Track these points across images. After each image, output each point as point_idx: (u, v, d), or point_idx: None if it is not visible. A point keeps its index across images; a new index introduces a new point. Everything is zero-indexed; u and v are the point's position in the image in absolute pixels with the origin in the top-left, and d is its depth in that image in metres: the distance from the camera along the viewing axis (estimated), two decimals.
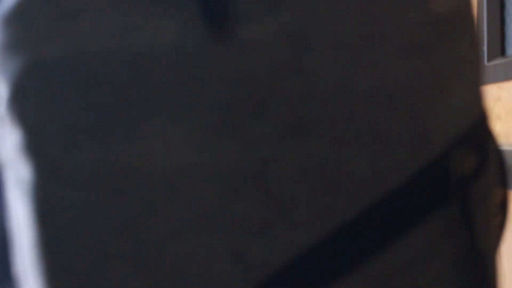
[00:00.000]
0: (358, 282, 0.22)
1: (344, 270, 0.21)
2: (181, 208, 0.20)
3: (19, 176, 0.21)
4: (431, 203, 0.22)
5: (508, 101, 0.96)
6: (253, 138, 0.20)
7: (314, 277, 0.21)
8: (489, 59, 1.03)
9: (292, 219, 0.20)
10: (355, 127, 0.21)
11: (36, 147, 0.21)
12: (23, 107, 0.21)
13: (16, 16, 0.21)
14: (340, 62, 0.20)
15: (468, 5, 0.25)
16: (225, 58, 0.19)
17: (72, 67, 0.20)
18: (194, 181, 0.20)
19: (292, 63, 0.20)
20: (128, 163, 0.20)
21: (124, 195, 0.20)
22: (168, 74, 0.20)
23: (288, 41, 0.19)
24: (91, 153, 0.20)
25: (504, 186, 0.29)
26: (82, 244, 0.20)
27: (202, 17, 0.19)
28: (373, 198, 0.21)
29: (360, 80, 0.21)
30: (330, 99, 0.20)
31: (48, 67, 0.20)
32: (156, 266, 0.20)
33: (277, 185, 0.20)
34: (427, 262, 0.23)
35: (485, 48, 1.05)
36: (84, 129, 0.20)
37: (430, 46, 0.22)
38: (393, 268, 0.22)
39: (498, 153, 0.26)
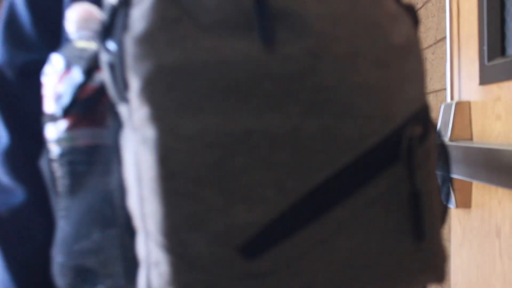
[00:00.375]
0: (333, 219, 0.35)
1: (324, 209, 0.35)
2: (248, 157, 0.34)
3: (145, 136, 0.34)
4: (392, 158, 0.36)
5: (509, 101, 0.96)
6: (289, 112, 0.34)
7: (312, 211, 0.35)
8: (489, 59, 1.03)
9: (310, 164, 0.34)
10: (350, 108, 0.35)
11: (159, 116, 0.34)
12: (150, 93, 0.34)
13: (145, 37, 0.35)
14: (340, 67, 0.35)
15: (416, 35, 0.40)
16: (273, 64, 0.34)
17: (182, 68, 0.34)
18: (257, 138, 0.34)
19: (311, 67, 0.35)
20: (217, 128, 0.34)
21: (213, 147, 0.34)
22: (242, 72, 0.34)
23: (308, 55, 0.34)
24: (195, 121, 0.33)
25: (447, 169, 0.50)
26: (188, 176, 0.34)
27: (259, 40, 0.34)
28: (356, 155, 0.35)
29: (352, 79, 0.35)
30: (334, 90, 0.35)
31: (166, 68, 0.34)
32: (233, 190, 0.34)
33: (303, 143, 0.34)
34: (382, 206, 0.36)
35: (485, 47, 1.04)
36: (190, 106, 0.34)
37: (391, 62, 0.37)
38: (354, 212, 0.35)
39: (437, 133, 0.42)
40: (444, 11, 2.16)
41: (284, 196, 0.34)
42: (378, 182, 0.36)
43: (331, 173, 0.35)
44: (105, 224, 0.41)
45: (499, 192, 0.99)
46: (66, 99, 0.41)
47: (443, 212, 0.48)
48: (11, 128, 0.53)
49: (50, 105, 0.43)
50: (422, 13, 2.47)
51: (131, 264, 0.38)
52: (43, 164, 0.44)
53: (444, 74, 2.16)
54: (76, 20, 0.45)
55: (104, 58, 0.37)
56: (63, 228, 0.42)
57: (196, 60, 0.34)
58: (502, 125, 0.98)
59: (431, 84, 2.35)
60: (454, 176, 1.10)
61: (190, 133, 0.33)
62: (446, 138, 1.17)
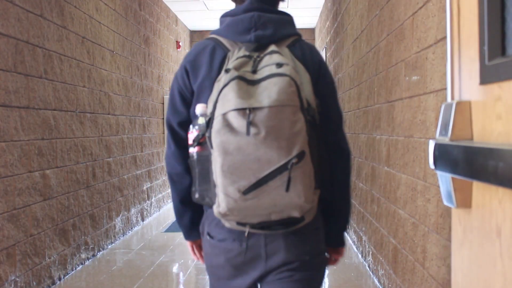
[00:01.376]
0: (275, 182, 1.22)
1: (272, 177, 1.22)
2: (242, 165, 1.22)
3: (215, 156, 1.24)
4: (286, 168, 1.22)
5: (509, 100, 0.96)
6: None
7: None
8: (489, 59, 1.03)
9: (263, 168, 1.22)
10: (275, 150, 1.25)
11: (220, 154, 1.26)
12: (216, 145, 1.28)
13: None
14: (270, 141, 1.22)
15: (303, 125, 1.23)
16: (248, 140, 1.23)
17: (224, 146, 1.25)
18: (248, 158, 1.23)
19: (262, 139, 1.24)
20: (235, 159, 1.25)
21: (232, 162, 1.22)
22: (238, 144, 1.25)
23: (258, 137, 1.23)
24: (233, 154, 1.25)
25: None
26: (228, 170, 1.22)
27: (246, 134, 1.22)
28: (276, 166, 1.24)
29: (278, 143, 1.23)
30: (272, 145, 1.25)
31: (221, 144, 1.24)
32: (240, 175, 1.22)
33: (261, 161, 1.24)
34: (281, 181, 1.22)
35: (485, 47, 1.04)
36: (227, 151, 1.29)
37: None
38: (275, 183, 1.22)
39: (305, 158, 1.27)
40: (445, 11, 2.16)
41: (255, 177, 1.20)
42: (282, 174, 1.20)
43: (270, 171, 1.20)
44: (207, 180, 1.32)
45: (500, 192, 0.99)
46: (196, 141, 1.33)
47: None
48: (174, 144, 1.48)
49: (191, 140, 1.34)
50: (422, 13, 2.47)
51: (213, 196, 1.29)
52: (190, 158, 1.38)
53: (445, 73, 2.16)
54: (200, 109, 1.32)
55: (202, 125, 1.31)
56: (194, 181, 1.37)
57: (230, 145, 1.20)
58: (503, 125, 0.98)
59: (431, 84, 2.35)
60: (455, 176, 1.10)
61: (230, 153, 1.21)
62: (447, 138, 1.17)
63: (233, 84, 1.21)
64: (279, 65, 1.25)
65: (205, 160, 1.31)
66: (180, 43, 8.22)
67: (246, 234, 1.32)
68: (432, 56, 2.32)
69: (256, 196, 1.21)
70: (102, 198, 4.64)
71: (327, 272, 3.95)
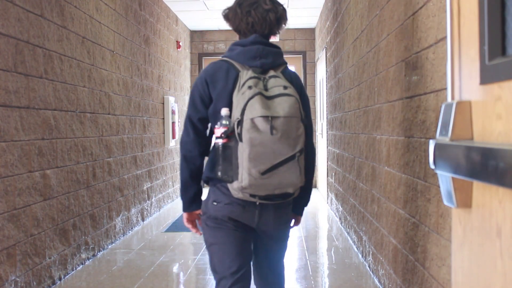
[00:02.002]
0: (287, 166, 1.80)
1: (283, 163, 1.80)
2: (264, 153, 1.79)
3: (243, 145, 1.78)
4: (294, 157, 1.86)
5: (509, 100, 0.96)
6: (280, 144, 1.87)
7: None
8: (490, 59, 1.03)
9: (278, 156, 1.80)
10: (290, 143, 1.85)
11: (248, 146, 1.82)
12: (243, 137, 1.85)
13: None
14: (285, 139, 1.82)
15: (302, 131, 1.87)
16: (274, 138, 1.82)
17: (253, 140, 1.80)
18: (268, 151, 1.80)
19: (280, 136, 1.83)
20: (258, 151, 1.81)
21: (258, 152, 1.77)
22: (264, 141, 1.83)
23: (277, 134, 1.81)
24: (257, 146, 1.83)
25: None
26: (253, 156, 1.77)
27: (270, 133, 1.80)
28: (288, 155, 1.84)
29: (287, 141, 1.83)
30: (287, 141, 1.84)
31: (251, 140, 1.81)
32: (260, 161, 1.77)
33: (276, 151, 1.82)
34: (294, 165, 1.83)
35: (486, 47, 1.04)
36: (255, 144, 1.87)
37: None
38: (288, 167, 1.81)
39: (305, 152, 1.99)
40: (445, 11, 2.16)
41: (270, 164, 1.77)
42: (289, 163, 1.79)
43: (281, 160, 1.78)
44: (229, 163, 1.81)
45: (500, 192, 0.99)
46: (223, 134, 1.81)
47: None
48: (194, 133, 1.96)
49: (218, 134, 1.83)
50: (422, 13, 2.47)
51: (235, 174, 1.80)
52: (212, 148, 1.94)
53: (445, 73, 2.16)
54: (224, 111, 1.84)
55: (227, 124, 1.83)
56: (218, 163, 1.87)
57: (256, 140, 1.76)
58: (503, 125, 0.98)
59: (431, 83, 2.35)
60: (455, 175, 1.10)
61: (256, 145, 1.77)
62: (447, 138, 1.17)
63: (257, 98, 1.77)
64: (285, 87, 1.84)
65: (228, 148, 1.82)
66: (180, 43, 8.22)
67: (257, 203, 1.88)
68: (432, 56, 2.32)
69: (269, 177, 1.78)
70: (102, 198, 4.64)
71: (327, 272, 3.94)
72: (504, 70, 0.96)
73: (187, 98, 8.91)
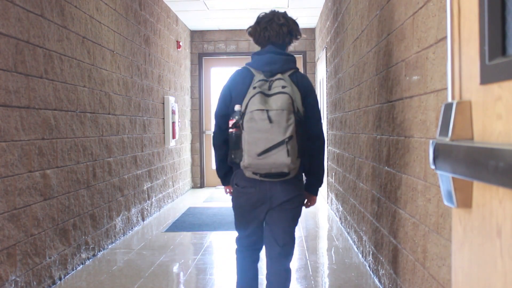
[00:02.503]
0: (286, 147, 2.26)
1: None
2: (259, 140, 2.27)
3: (244, 133, 2.29)
4: (284, 143, 2.27)
5: (509, 100, 0.96)
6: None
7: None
8: (490, 59, 1.03)
9: (271, 140, 2.23)
10: (280, 130, 2.30)
11: (246, 132, 2.32)
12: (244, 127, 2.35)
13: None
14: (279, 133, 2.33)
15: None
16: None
17: (252, 139, 2.30)
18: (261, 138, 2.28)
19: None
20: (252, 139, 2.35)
21: (255, 138, 2.27)
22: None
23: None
24: (251, 136, 2.34)
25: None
26: (250, 141, 2.25)
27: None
28: (278, 140, 2.28)
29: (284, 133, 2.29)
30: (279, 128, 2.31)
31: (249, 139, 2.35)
32: (255, 145, 2.24)
33: (271, 136, 2.27)
34: (284, 149, 2.25)
35: (486, 47, 1.04)
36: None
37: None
38: (278, 149, 2.22)
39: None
40: (445, 11, 2.16)
41: (264, 147, 2.21)
42: (279, 147, 2.21)
43: (273, 144, 2.21)
44: (237, 147, 2.35)
45: (500, 192, 0.99)
46: (234, 125, 2.36)
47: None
48: (218, 126, 2.55)
49: (230, 125, 2.39)
50: (422, 13, 2.47)
51: (241, 155, 2.32)
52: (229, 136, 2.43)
53: (445, 73, 2.16)
54: (237, 107, 2.37)
55: (239, 117, 2.35)
56: (231, 148, 2.41)
57: (253, 129, 2.26)
58: (503, 125, 0.98)
59: (432, 83, 2.35)
60: (455, 175, 1.10)
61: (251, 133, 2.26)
62: (447, 138, 1.17)
63: (257, 96, 2.26)
64: (283, 87, 2.29)
65: (237, 136, 2.35)
66: (181, 43, 8.22)
67: (258, 177, 2.36)
68: (432, 56, 2.32)
69: (264, 158, 2.23)
70: (103, 198, 4.64)
71: (327, 272, 3.94)
72: (504, 70, 0.96)
73: (187, 98, 8.92)
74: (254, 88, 2.28)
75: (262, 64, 2.43)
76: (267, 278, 2.58)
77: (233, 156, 2.37)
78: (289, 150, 2.20)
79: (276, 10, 2.55)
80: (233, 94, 2.45)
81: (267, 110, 2.20)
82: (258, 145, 2.20)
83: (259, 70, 2.42)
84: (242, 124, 2.25)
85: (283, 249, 2.52)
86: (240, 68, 2.51)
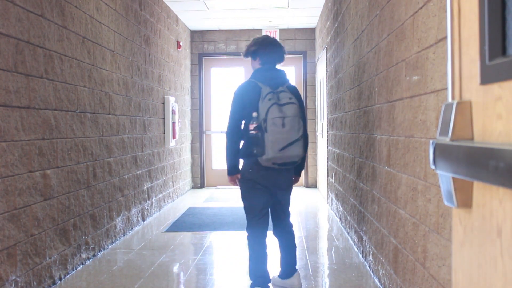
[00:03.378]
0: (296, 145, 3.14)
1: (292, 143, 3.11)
2: (278, 139, 3.14)
3: (267, 134, 3.12)
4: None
5: (510, 100, 0.96)
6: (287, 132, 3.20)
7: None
8: (490, 59, 1.03)
9: (287, 140, 3.14)
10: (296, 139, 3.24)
11: (268, 134, 3.19)
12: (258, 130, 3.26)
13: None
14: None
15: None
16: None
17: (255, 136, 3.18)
18: (281, 138, 3.15)
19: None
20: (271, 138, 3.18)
21: (275, 138, 3.11)
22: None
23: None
24: (272, 132, 3.22)
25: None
26: (273, 142, 3.09)
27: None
28: (294, 139, 3.20)
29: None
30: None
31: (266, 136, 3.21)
32: (275, 146, 3.08)
33: (288, 136, 3.15)
34: (299, 145, 3.18)
35: (486, 47, 1.04)
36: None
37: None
38: (295, 144, 3.14)
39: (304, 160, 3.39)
40: (445, 11, 2.16)
41: (284, 144, 3.08)
42: (295, 143, 3.13)
43: (290, 141, 3.09)
44: (258, 145, 3.09)
45: (500, 192, 0.99)
46: (256, 128, 3.10)
47: (306, 147, 3.29)
48: (235, 126, 3.24)
49: (251, 128, 3.12)
50: (423, 13, 2.47)
51: (263, 151, 3.08)
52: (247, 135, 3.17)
53: (445, 73, 2.16)
54: (255, 114, 3.11)
55: (255, 120, 3.12)
56: (253, 145, 3.14)
57: (275, 131, 3.11)
58: (503, 125, 0.98)
59: (432, 83, 2.35)
60: (455, 176, 1.10)
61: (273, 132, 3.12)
62: (447, 138, 1.17)
63: (274, 106, 3.06)
64: (290, 98, 3.13)
65: (257, 136, 3.06)
66: (181, 43, 8.22)
67: (276, 166, 3.15)
68: (432, 56, 2.32)
69: (284, 152, 3.06)
70: (103, 198, 4.64)
71: (327, 272, 3.94)
72: (505, 70, 0.96)
73: (187, 98, 8.92)
74: (270, 100, 3.06)
75: (266, 79, 3.19)
76: (278, 234, 3.40)
77: (255, 151, 3.08)
78: (301, 145, 3.11)
79: (270, 36, 3.50)
80: (245, 100, 3.16)
81: (283, 117, 3.04)
82: (280, 143, 3.03)
83: (264, 84, 3.16)
84: (265, 127, 3.03)
85: (288, 212, 3.43)
86: (247, 81, 3.26)
